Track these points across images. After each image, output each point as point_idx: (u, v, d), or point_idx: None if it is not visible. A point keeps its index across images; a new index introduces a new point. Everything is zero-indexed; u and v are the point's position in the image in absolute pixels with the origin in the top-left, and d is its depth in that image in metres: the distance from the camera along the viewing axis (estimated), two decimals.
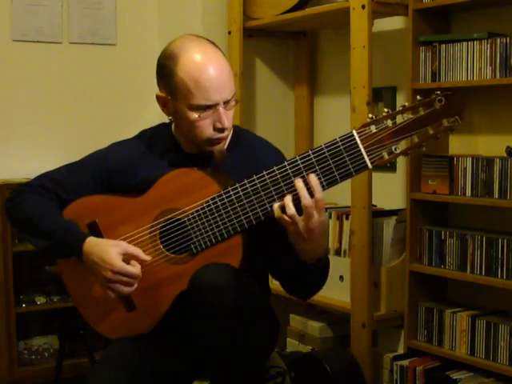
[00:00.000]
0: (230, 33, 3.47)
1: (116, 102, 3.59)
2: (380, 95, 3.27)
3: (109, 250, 1.82)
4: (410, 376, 2.95)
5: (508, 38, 2.65)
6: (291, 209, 1.73)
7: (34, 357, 3.33)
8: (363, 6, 2.86)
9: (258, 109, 3.71)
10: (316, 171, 1.75)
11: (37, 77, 3.45)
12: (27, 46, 3.42)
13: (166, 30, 3.65)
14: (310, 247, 1.79)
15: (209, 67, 1.82)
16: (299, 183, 1.74)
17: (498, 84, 2.72)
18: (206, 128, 1.86)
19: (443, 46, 2.84)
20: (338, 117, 3.51)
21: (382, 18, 3.11)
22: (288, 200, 1.74)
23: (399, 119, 1.72)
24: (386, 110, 1.73)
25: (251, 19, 3.48)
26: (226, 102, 1.85)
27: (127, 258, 1.83)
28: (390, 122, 1.72)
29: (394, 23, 3.21)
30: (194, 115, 1.84)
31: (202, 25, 3.56)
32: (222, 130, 1.87)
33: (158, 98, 1.93)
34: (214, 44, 1.90)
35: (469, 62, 2.77)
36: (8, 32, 3.37)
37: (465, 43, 2.78)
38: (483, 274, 2.76)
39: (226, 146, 1.94)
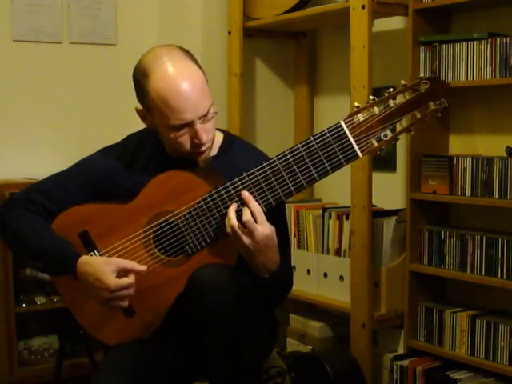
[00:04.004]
0: (229, 33, 3.47)
1: (116, 102, 3.59)
2: (380, 95, 3.25)
3: (102, 270, 1.79)
4: (409, 376, 2.95)
5: (508, 38, 2.65)
6: (233, 219, 1.75)
7: (33, 357, 3.33)
8: (363, 6, 2.85)
9: (257, 109, 3.71)
10: (306, 164, 1.76)
11: (37, 77, 3.45)
12: (27, 46, 3.42)
13: (165, 30, 3.66)
14: (259, 261, 1.78)
15: (180, 86, 1.79)
16: (233, 206, 1.77)
17: (497, 84, 2.71)
18: (184, 143, 1.85)
19: (443, 46, 2.84)
20: (338, 117, 3.44)
21: (382, 18, 3.11)
22: (231, 212, 1.76)
23: None
24: (371, 97, 1.74)
25: (251, 19, 3.47)
26: (203, 117, 1.83)
27: (122, 273, 1.80)
28: (376, 110, 1.73)
29: (394, 23, 3.21)
30: (171, 134, 1.84)
31: (201, 25, 3.56)
32: (199, 146, 1.85)
33: (137, 111, 1.93)
34: (187, 54, 1.86)
35: (469, 62, 2.76)
36: (8, 32, 3.38)
37: (465, 43, 2.77)
38: (483, 273, 2.76)
39: (214, 153, 1.94)
